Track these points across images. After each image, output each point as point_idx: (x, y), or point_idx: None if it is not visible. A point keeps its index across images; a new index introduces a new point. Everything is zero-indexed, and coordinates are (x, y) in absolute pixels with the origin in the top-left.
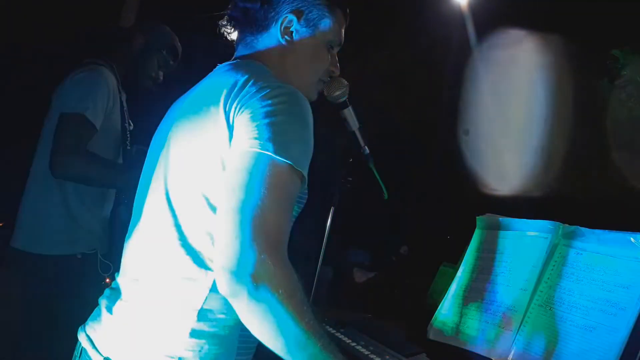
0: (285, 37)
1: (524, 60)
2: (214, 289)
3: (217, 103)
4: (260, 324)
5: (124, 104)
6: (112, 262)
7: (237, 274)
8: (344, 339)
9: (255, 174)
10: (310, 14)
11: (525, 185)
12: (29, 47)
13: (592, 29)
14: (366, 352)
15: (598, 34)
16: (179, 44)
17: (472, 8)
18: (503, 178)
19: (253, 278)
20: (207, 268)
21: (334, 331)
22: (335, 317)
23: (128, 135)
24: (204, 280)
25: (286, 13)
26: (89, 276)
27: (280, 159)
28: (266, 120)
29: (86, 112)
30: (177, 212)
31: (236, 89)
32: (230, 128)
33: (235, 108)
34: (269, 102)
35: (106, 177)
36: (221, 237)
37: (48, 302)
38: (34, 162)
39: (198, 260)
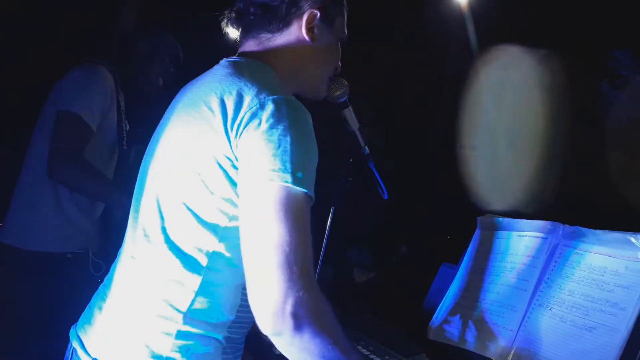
0: (309, 33)
1: (524, 60)
2: (200, 291)
3: (214, 112)
4: (301, 354)
5: (122, 104)
6: (104, 261)
7: (279, 315)
8: None
9: (279, 210)
10: (329, 10)
11: (526, 185)
12: (29, 46)
13: (592, 29)
14: (366, 352)
15: (598, 34)
16: (182, 53)
17: (472, 8)
18: (503, 178)
19: (295, 317)
20: (193, 271)
21: None
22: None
23: (124, 135)
24: (191, 283)
25: (310, 8)
26: (79, 275)
27: (299, 188)
28: (280, 148)
29: (82, 112)
30: (164, 216)
31: (236, 101)
32: (232, 144)
33: (239, 125)
34: (278, 125)
35: (97, 191)
36: (255, 279)
37: (37, 300)
38: (26, 158)
39: (185, 263)
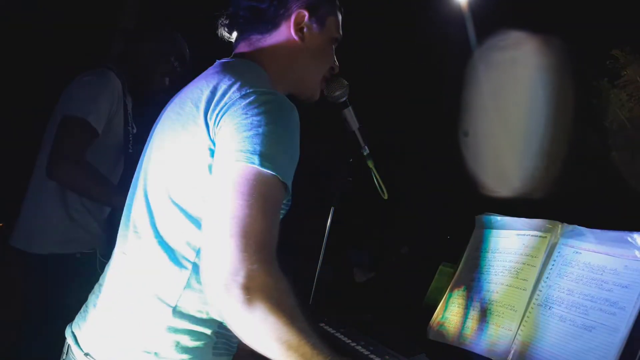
0: (298, 34)
1: (524, 60)
2: (188, 285)
3: (198, 107)
4: (254, 333)
5: (129, 107)
6: None
7: (228, 286)
8: (344, 339)
9: (242, 185)
10: (319, 10)
11: (525, 184)
12: (36, 49)
13: (592, 29)
14: (366, 352)
15: (598, 34)
16: (188, 51)
17: (472, 8)
18: (502, 177)
19: (245, 290)
20: (181, 266)
21: (333, 331)
22: (335, 317)
23: (130, 138)
24: (179, 277)
25: (298, 9)
26: (87, 275)
27: (267, 170)
28: (252, 131)
29: (89, 116)
30: (153, 212)
31: (219, 94)
32: (211, 134)
33: (217, 114)
34: (254, 110)
35: (98, 194)
36: (209, 250)
37: (46, 301)
38: (37, 162)
39: (173, 258)
